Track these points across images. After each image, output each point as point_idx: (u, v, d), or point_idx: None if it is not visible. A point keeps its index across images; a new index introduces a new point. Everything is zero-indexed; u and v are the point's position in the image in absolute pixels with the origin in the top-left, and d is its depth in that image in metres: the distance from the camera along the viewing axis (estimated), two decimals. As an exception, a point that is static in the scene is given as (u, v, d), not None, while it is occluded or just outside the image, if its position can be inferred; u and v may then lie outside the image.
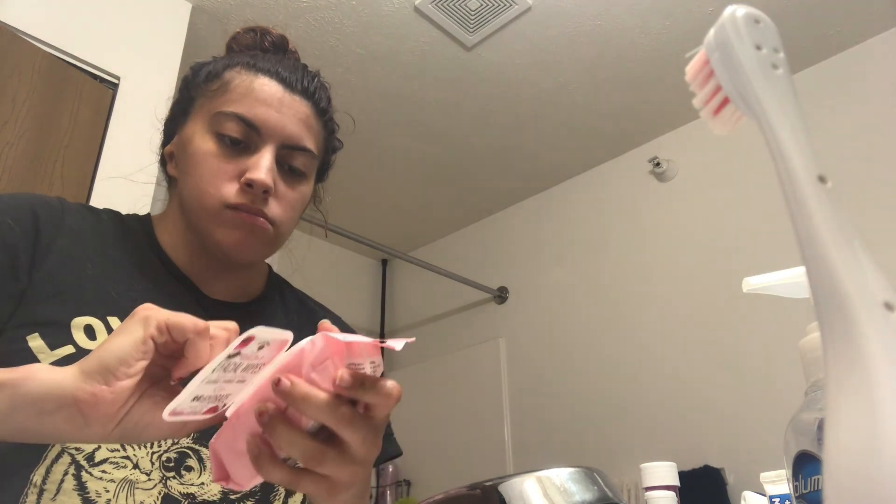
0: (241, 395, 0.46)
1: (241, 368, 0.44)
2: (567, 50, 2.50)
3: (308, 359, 0.44)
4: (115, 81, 1.95)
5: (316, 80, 0.83)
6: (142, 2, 2.12)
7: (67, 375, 0.46)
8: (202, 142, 0.76)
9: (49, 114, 1.73)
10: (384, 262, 3.88)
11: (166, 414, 0.43)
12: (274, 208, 0.76)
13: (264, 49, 0.86)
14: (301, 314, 0.91)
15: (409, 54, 2.51)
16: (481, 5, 2.31)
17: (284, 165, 0.78)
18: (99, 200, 1.74)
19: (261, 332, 0.43)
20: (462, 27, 2.40)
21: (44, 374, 0.47)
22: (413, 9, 2.32)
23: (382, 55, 2.51)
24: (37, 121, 1.70)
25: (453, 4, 2.31)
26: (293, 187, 0.79)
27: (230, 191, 0.74)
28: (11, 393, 0.46)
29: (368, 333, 3.68)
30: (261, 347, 0.44)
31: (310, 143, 0.79)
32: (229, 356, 0.42)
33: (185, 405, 0.43)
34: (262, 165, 0.74)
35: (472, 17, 2.36)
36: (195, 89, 0.80)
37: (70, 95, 1.79)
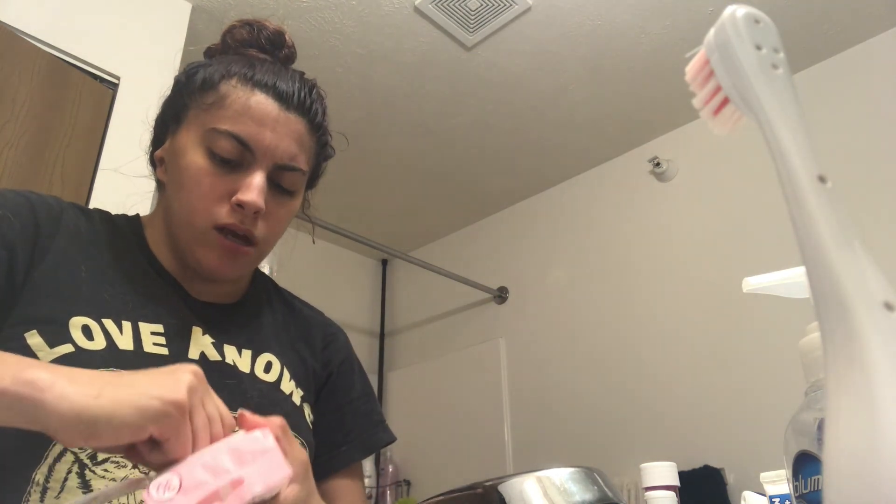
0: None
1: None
2: (567, 50, 2.50)
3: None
4: (115, 81, 1.95)
5: (313, 91, 0.82)
6: (142, 2, 2.12)
7: (61, 414, 0.46)
8: (194, 156, 0.75)
9: (49, 114, 1.73)
10: (384, 262, 3.88)
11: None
12: (262, 228, 0.77)
13: (260, 46, 0.85)
14: (286, 314, 0.92)
15: (409, 54, 2.51)
16: (481, 5, 2.31)
17: (274, 183, 0.78)
18: (99, 201, 1.74)
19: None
20: (462, 27, 2.40)
21: (53, 399, 0.47)
22: (413, 9, 2.32)
23: (382, 55, 2.51)
24: (37, 121, 1.69)
25: (453, 4, 2.31)
26: (282, 204, 0.79)
27: (220, 211, 0.74)
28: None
29: (369, 333, 3.64)
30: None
31: (302, 162, 0.79)
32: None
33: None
34: (255, 186, 0.74)
35: (472, 17, 2.36)
36: (189, 96, 0.79)
37: (70, 95, 1.79)
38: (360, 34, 2.42)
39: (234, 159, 0.75)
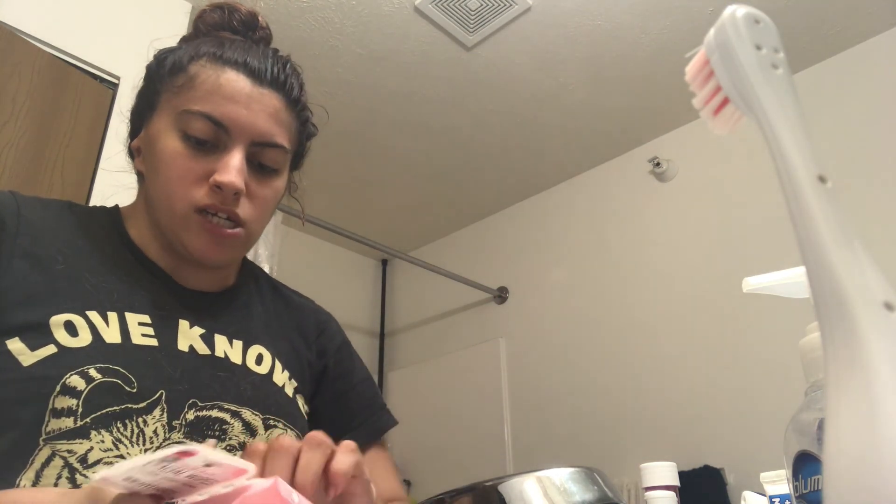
0: (193, 498, 0.44)
1: (185, 474, 0.42)
2: (567, 50, 2.50)
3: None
4: (115, 81, 1.95)
5: (287, 66, 0.79)
6: (142, 2, 2.12)
7: None
8: (169, 141, 0.73)
9: (49, 114, 1.73)
10: (384, 262, 3.88)
11: (97, 477, 0.42)
12: (245, 209, 0.74)
13: (233, 28, 0.82)
14: (277, 302, 0.90)
15: (409, 54, 2.51)
16: (481, 5, 2.31)
17: (255, 162, 0.75)
18: (99, 200, 1.74)
19: (207, 452, 0.42)
20: (462, 27, 2.40)
21: None
22: (413, 9, 2.32)
23: (382, 55, 2.51)
24: (37, 121, 1.70)
25: (453, 4, 2.31)
26: (265, 184, 0.76)
27: (199, 193, 0.72)
28: None
29: (369, 333, 3.64)
30: (209, 465, 0.43)
31: (281, 139, 0.76)
32: (164, 459, 0.42)
33: (116, 479, 0.43)
34: (232, 167, 0.71)
35: (472, 17, 2.36)
36: (160, 82, 0.77)
37: (70, 95, 1.79)
38: (360, 34, 2.42)
39: (209, 140, 0.72)
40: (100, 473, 0.41)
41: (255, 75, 0.75)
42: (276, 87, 0.76)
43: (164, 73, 0.77)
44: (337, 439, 0.88)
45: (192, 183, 0.72)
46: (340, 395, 0.90)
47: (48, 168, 1.69)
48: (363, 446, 0.88)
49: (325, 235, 3.34)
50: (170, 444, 0.68)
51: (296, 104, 0.80)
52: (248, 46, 0.78)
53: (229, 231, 0.74)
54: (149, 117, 0.78)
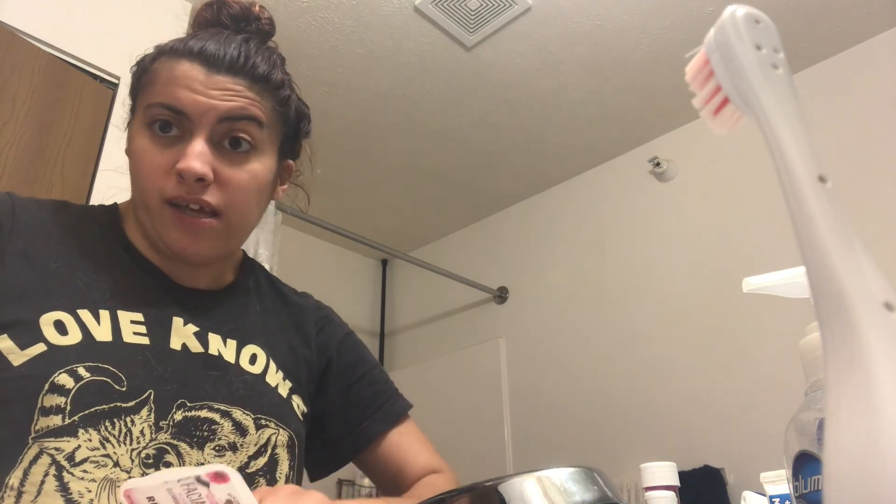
0: None
1: (202, 502, 0.43)
2: (567, 50, 2.50)
3: None
4: (115, 81, 1.95)
5: (250, 46, 0.76)
6: (142, 2, 2.12)
7: None
8: (139, 138, 0.74)
9: (49, 114, 1.73)
10: (384, 262, 3.88)
11: (123, 486, 0.42)
12: (216, 196, 0.73)
13: (223, 24, 0.80)
14: (276, 300, 0.90)
15: (409, 54, 2.51)
16: (481, 5, 2.31)
17: (227, 144, 0.74)
18: (99, 201, 1.74)
19: (238, 485, 0.42)
20: (462, 27, 2.40)
21: None
22: (413, 9, 2.32)
23: (382, 55, 2.51)
24: (37, 121, 1.70)
25: (453, 4, 2.31)
26: (240, 166, 0.74)
27: (167, 185, 0.72)
28: None
29: (369, 333, 3.63)
30: (229, 501, 0.43)
31: (251, 110, 0.74)
32: (198, 478, 0.41)
33: (139, 495, 0.43)
34: (190, 153, 0.70)
35: (472, 17, 2.36)
36: (134, 85, 0.79)
37: (70, 95, 1.79)
38: (360, 34, 2.42)
39: (172, 129, 0.72)
40: (127, 483, 0.41)
41: (211, 63, 0.73)
42: (235, 71, 0.74)
43: (135, 76, 0.79)
44: (354, 428, 0.88)
45: (160, 176, 0.72)
46: (350, 385, 0.90)
47: (48, 168, 1.69)
48: (384, 431, 0.88)
49: (325, 235, 3.34)
50: (156, 444, 0.68)
51: (265, 81, 0.76)
52: (212, 35, 0.76)
53: (203, 220, 0.73)
54: (130, 121, 0.79)
